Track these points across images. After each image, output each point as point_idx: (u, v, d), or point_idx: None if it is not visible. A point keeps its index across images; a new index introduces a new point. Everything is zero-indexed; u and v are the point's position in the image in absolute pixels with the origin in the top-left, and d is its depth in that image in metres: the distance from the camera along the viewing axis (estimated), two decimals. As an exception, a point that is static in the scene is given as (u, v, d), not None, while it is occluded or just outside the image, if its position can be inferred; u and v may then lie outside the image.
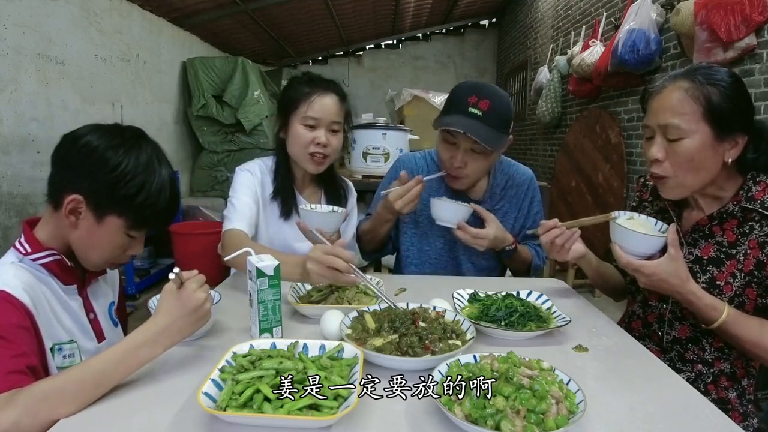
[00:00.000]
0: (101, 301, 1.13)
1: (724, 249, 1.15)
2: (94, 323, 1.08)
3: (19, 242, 0.99)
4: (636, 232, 1.12)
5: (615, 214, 1.21)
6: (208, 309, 0.92)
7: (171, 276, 0.90)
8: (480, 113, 1.41)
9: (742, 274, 1.12)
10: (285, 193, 1.58)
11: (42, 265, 0.98)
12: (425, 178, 1.48)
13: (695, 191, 1.17)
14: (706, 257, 1.17)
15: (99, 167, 0.94)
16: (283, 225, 1.59)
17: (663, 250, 1.10)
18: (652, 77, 3.92)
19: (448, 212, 1.48)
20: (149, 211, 0.99)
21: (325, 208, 1.52)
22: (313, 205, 1.50)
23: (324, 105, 1.50)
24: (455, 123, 1.42)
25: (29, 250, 0.97)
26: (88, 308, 1.08)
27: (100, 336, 1.08)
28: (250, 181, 1.55)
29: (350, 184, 1.80)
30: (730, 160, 1.10)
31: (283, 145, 1.58)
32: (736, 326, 1.07)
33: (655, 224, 1.20)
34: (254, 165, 1.60)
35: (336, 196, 1.68)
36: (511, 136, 1.54)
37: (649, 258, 1.12)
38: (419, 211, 1.66)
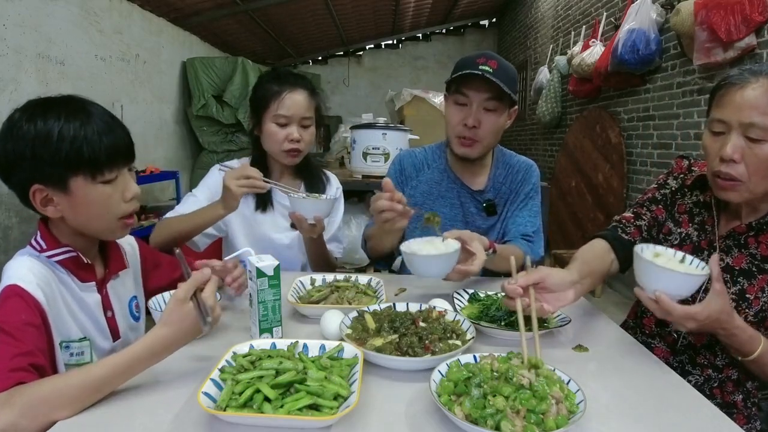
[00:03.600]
0: (122, 297, 1.12)
1: (756, 262, 1.13)
2: (111, 321, 1.07)
3: (35, 240, 0.98)
4: (685, 274, 0.94)
5: (639, 248, 1.00)
6: (217, 317, 0.90)
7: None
8: (491, 70, 1.43)
9: None
10: None
11: (58, 262, 0.97)
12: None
13: (756, 198, 1.09)
14: (737, 268, 1.14)
15: (18, 148, 0.91)
16: (260, 217, 1.64)
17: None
18: (652, 77, 3.92)
19: (433, 267, 1.18)
20: (87, 147, 0.92)
21: (313, 195, 1.47)
22: (301, 194, 1.45)
23: (294, 101, 1.53)
24: (470, 74, 1.42)
25: (45, 247, 0.97)
26: (107, 306, 1.07)
27: (115, 335, 1.08)
28: (216, 183, 1.56)
29: (332, 177, 1.81)
30: None
31: (258, 142, 1.64)
32: None
33: (675, 255, 1.03)
34: (232, 164, 1.65)
35: (316, 186, 1.70)
36: (516, 106, 1.56)
37: (681, 300, 0.96)
38: (423, 207, 1.64)
